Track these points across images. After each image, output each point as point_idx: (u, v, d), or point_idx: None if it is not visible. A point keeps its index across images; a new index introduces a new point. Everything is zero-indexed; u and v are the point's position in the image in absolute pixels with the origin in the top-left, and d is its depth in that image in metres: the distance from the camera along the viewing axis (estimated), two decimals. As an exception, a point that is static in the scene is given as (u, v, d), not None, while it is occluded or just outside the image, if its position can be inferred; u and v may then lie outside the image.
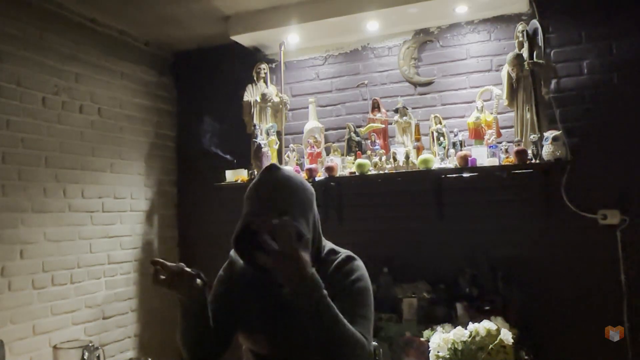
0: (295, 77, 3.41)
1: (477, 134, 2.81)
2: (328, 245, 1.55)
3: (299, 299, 1.29)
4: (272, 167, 1.49)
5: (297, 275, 1.26)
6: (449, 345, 2.38)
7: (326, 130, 3.26)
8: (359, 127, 3.11)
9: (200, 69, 3.67)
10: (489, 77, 2.96)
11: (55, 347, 1.60)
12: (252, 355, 1.53)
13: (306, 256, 1.29)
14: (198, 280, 1.42)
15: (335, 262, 1.49)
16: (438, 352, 2.40)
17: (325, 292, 1.30)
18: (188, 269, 1.41)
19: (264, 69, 3.34)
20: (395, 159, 2.85)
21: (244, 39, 3.28)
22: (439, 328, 2.56)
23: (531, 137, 2.64)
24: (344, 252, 1.53)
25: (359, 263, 1.51)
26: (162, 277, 1.39)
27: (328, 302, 1.30)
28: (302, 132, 3.23)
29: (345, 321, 1.32)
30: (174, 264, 1.40)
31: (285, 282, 1.29)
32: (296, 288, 1.28)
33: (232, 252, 1.61)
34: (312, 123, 3.20)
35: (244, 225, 1.42)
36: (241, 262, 1.54)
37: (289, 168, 1.56)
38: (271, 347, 1.47)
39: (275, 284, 1.47)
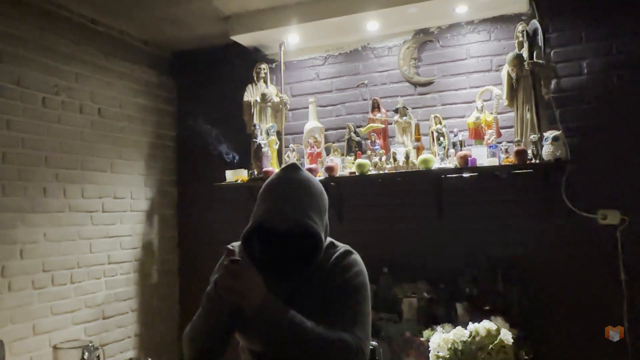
0: (295, 77, 3.41)
1: (477, 134, 2.81)
2: (328, 239, 1.56)
3: (265, 327, 1.30)
4: (294, 167, 1.48)
5: (251, 305, 1.28)
6: (449, 345, 2.38)
7: (326, 130, 3.25)
8: (359, 127, 3.11)
9: (200, 69, 3.67)
10: (489, 77, 2.96)
11: (55, 347, 1.60)
12: (248, 352, 1.54)
13: (253, 283, 1.29)
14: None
15: (334, 255, 1.50)
16: (438, 352, 2.41)
17: (291, 313, 1.30)
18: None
19: (264, 69, 3.34)
20: (395, 159, 2.85)
21: (244, 39, 3.28)
22: (439, 328, 2.56)
23: (531, 137, 2.64)
24: (342, 246, 1.55)
25: (357, 257, 1.52)
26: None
27: (296, 323, 1.30)
28: (302, 132, 3.23)
29: (321, 331, 1.32)
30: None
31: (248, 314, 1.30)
32: (258, 317, 1.29)
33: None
34: (312, 123, 3.20)
35: (259, 222, 1.42)
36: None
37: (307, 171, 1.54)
38: (266, 344, 1.47)
39: (272, 282, 1.47)
